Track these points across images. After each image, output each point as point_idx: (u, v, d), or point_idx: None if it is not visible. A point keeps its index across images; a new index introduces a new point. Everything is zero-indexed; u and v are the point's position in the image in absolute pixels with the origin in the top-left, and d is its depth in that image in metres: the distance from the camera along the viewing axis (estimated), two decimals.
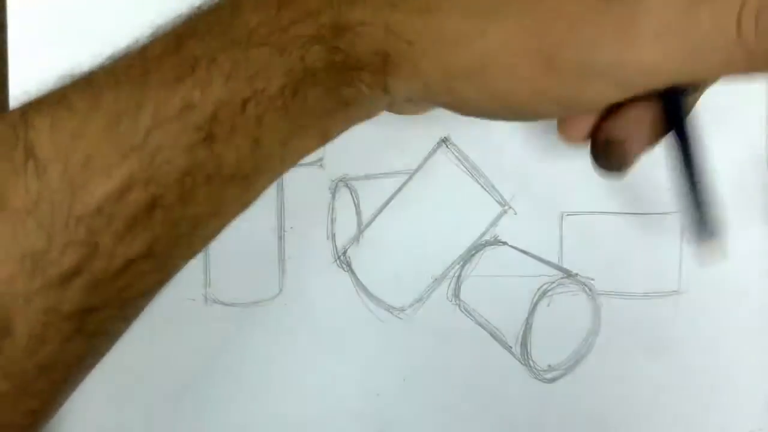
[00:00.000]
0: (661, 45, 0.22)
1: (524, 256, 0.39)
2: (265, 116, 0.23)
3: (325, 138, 0.26)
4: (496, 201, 0.39)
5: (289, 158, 0.25)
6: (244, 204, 0.25)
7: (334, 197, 0.39)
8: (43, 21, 0.38)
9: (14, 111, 0.23)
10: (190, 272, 0.39)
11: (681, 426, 0.38)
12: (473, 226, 0.39)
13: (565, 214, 0.39)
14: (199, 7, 0.24)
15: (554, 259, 0.39)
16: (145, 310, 0.25)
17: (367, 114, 0.26)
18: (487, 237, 0.39)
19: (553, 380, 0.38)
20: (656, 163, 0.37)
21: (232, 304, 0.38)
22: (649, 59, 0.22)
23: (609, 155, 0.28)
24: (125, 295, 0.24)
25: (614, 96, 0.24)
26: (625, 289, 0.39)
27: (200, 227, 0.24)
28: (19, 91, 0.38)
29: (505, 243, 0.39)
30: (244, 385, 0.38)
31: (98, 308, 0.23)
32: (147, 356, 0.38)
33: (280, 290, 0.39)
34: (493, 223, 0.39)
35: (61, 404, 0.25)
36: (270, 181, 0.26)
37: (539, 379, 0.38)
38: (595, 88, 0.24)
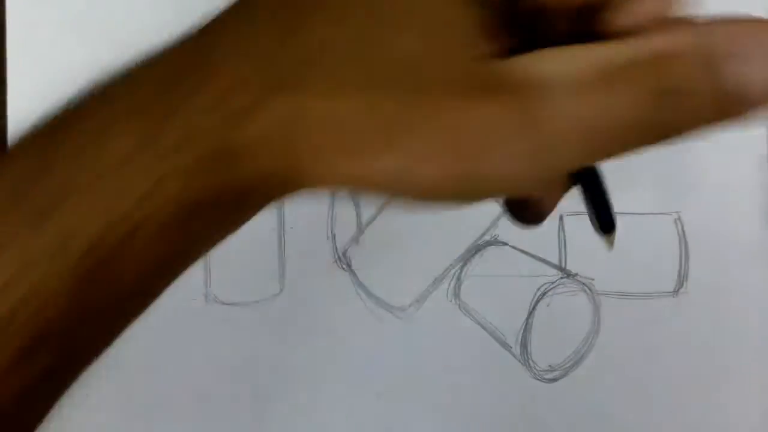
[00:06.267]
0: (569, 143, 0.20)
1: (524, 256, 0.39)
2: (150, 245, 0.21)
3: (236, 229, 0.24)
4: (496, 201, 0.39)
5: (185, 267, 0.24)
6: (141, 311, 0.24)
7: (334, 197, 0.39)
8: (42, 21, 0.38)
9: None
10: (190, 272, 0.39)
11: (681, 426, 0.38)
12: (473, 226, 0.39)
13: (565, 214, 0.39)
14: (62, 118, 0.22)
15: (554, 259, 0.39)
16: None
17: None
18: (487, 237, 0.39)
19: (553, 380, 0.38)
20: (656, 163, 0.37)
21: (232, 304, 0.39)
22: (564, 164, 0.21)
23: (526, 213, 0.28)
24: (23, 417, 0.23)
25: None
26: (625, 289, 0.39)
27: (98, 344, 0.24)
28: (17, 92, 0.38)
29: (505, 243, 0.39)
30: (245, 385, 0.38)
31: None
32: (147, 356, 0.38)
33: (281, 290, 0.39)
34: (493, 223, 0.39)
35: None
36: (171, 282, 0.24)
37: (539, 379, 0.38)
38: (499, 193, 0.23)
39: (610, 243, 0.31)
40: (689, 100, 0.20)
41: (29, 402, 0.23)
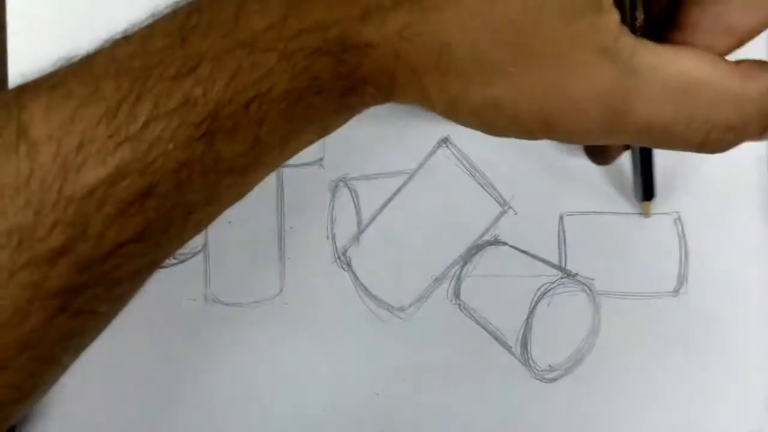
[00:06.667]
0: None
1: (524, 256, 0.39)
2: (266, 117, 0.23)
3: (324, 133, 0.26)
4: (496, 201, 0.39)
5: (287, 153, 0.26)
6: (239, 194, 0.26)
7: (334, 197, 0.39)
8: (42, 21, 0.38)
9: (8, 92, 0.23)
10: (190, 272, 0.39)
11: (681, 426, 0.38)
12: (473, 226, 0.39)
13: (565, 214, 0.39)
14: (198, 1, 0.24)
15: (554, 259, 0.39)
16: (135, 292, 0.26)
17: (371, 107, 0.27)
18: (487, 237, 0.39)
19: (553, 380, 0.38)
20: (656, 163, 0.37)
21: (232, 304, 0.39)
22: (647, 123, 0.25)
23: (594, 156, 0.37)
24: (113, 276, 0.24)
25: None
26: (625, 289, 0.39)
27: (193, 215, 0.24)
28: None
29: (505, 243, 0.39)
30: (244, 385, 0.38)
31: (85, 287, 0.23)
32: (147, 356, 0.38)
33: (281, 290, 0.39)
34: (493, 223, 0.39)
35: (48, 384, 0.25)
36: (267, 173, 0.26)
37: (539, 379, 0.38)
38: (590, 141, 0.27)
39: (648, 210, 0.38)
40: (743, 136, 0.25)
41: (117, 264, 0.23)
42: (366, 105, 0.26)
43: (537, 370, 0.38)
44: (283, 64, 0.23)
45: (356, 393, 0.38)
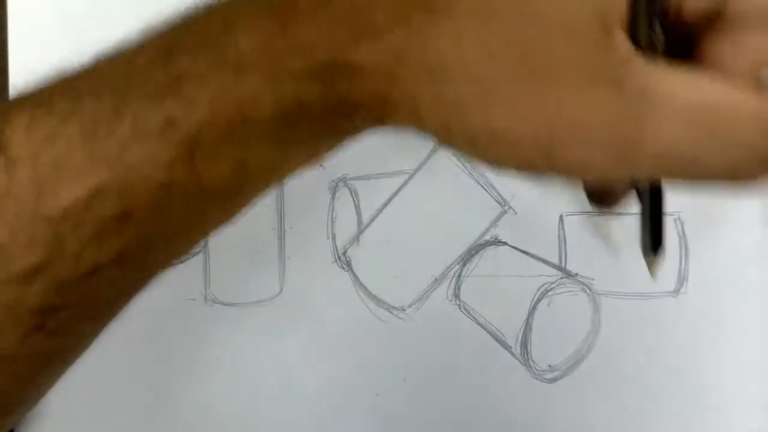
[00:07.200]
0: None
1: (524, 256, 0.39)
2: (252, 141, 0.22)
3: (316, 158, 0.25)
4: (496, 201, 0.39)
5: (275, 178, 0.25)
6: (226, 218, 0.25)
7: (334, 197, 0.39)
8: (43, 21, 0.38)
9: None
10: (190, 272, 0.39)
11: (681, 426, 0.38)
12: (473, 226, 0.39)
13: (565, 214, 0.39)
14: (187, 16, 0.23)
15: (554, 259, 0.39)
16: (119, 314, 0.25)
17: (363, 133, 0.26)
18: (487, 237, 0.39)
19: (553, 380, 0.38)
20: None
21: (232, 304, 0.38)
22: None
23: (600, 196, 0.33)
24: (92, 297, 0.23)
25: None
26: (625, 289, 0.39)
27: (175, 240, 0.24)
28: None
29: (505, 243, 0.39)
30: (244, 385, 0.38)
31: (62, 307, 0.23)
32: (147, 356, 0.38)
33: (280, 290, 0.39)
34: (493, 223, 0.39)
35: (29, 402, 0.25)
36: (255, 199, 0.25)
37: (539, 380, 0.38)
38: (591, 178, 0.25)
39: (655, 265, 0.33)
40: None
41: (96, 285, 0.23)
42: (358, 129, 0.24)
43: (537, 370, 0.38)
44: (270, 86, 0.22)
45: (356, 393, 0.38)
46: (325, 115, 0.23)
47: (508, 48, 0.21)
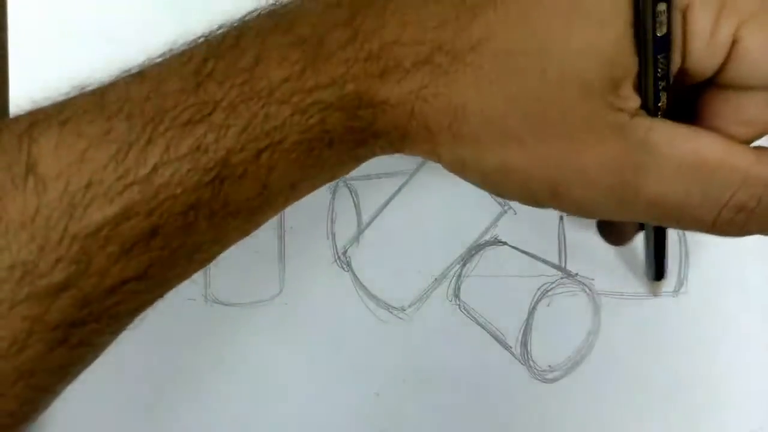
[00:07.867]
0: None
1: (524, 256, 0.39)
2: (276, 166, 0.24)
3: (333, 179, 0.26)
4: (496, 201, 0.39)
5: (295, 197, 0.26)
6: (245, 233, 0.26)
7: (334, 197, 0.39)
8: (43, 22, 0.38)
9: (20, 120, 0.23)
10: None
11: (681, 426, 0.38)
12: (473, 226, 0.39)
13: (565, 214, 0.39)
14: (215, 41, 0.24)
15: (554, 259, 0.39)
16: (132, 323, 0.26)
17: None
18: (487, 237, 0.39)
19: (553, 380, 0.38)
20: None
21: (232, 304, 0.39)
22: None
23: (611, 234, 0.36)
24: (114, 311, 0.24)
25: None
26: (625, 289, 0.39)
27: (198, 254, 0.25)
28: (19, 93, 0.38)
29: (505, 243, 0.39)
30: (244, 385, 0.38)
31: (85, 322, 0.23)
32: (147, 356, 0.38)
33: (280, 290, 0.39)
34: (493, 223, 0.39)
35: (40, 410, 0.26)
36: (274, 215, 0.26)
37: (539, 379, 0.38)
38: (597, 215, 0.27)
39: (657, 288, 0.38)
40: (755, 219, 0.24)
41: (120, 300, 0.24)
42: (374, 155, 0.26)
43: (537, 370, 0.38)
44: (297, 116, 0.23)
45: (356, 393, 0.38)
46: (346, 143, 0.24)
47: (527, 97, 0.23)
